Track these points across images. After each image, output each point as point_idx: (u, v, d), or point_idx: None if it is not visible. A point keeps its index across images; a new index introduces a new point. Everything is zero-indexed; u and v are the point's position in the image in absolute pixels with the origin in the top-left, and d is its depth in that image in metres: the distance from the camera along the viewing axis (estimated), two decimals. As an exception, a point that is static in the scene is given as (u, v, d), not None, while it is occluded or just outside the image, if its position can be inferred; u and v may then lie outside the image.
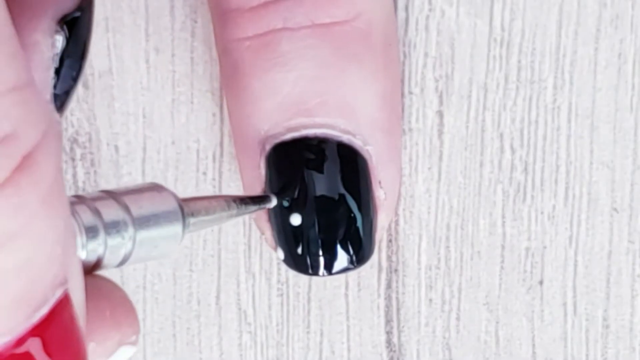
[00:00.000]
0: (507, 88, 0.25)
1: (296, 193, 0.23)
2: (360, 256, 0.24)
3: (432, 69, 0.25)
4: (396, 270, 0.26)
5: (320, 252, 0.24)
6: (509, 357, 0.26)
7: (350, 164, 0.23)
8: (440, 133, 0.26)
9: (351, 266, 0.24)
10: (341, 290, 0.26)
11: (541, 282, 0.26)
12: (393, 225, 0.26)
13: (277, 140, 0.23)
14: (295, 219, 0.23)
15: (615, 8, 0.25)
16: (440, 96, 0.25)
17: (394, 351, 0.26)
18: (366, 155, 0.24)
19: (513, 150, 0.26)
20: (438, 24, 0.25)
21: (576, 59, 0.25)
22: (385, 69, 0.24)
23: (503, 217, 0.26)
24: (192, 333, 0.27)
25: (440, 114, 0.26)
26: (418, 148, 0.26)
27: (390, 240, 0.26)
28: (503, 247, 0.26)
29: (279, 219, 0.24)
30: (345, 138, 0.23)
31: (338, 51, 0.23)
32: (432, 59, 0.25)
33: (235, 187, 0.26)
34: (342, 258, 0.24)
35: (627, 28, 0.25)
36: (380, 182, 0.24)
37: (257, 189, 0.24)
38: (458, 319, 0.26)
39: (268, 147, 0.23)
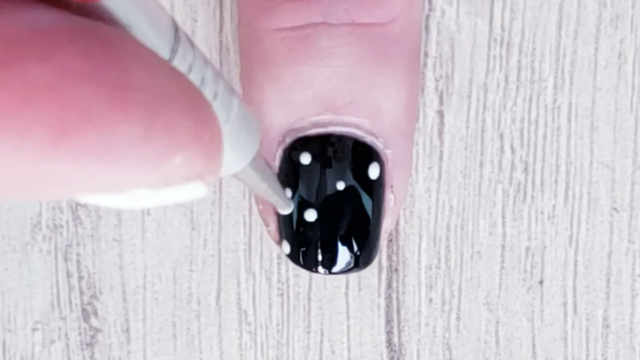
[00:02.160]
0: (507, 88, 0.25)
1: (313, 189, 0.23)
2: (366, 257, 0.24)
3: (433, 68, 0.25)
4: (396, 270, 0.26)
5: (329, 251, 0.24)
6: (509, 357, 0.26)
7: (369, 166, 0.23)
8: (441, 133, 0.26)
9: (356, 267, 0.24)
10: (341, 290, 0.26)
11: (541, 282, 0.26)
12: (393, 225, 0.26)
13: (301, 134, 0.23)
14: (310, 215, 0.23)
15: (615, 8, 0.25)
16: (441, 96, 0.25)
17: (394, 351, 0.26)
18: (384, 159, 0.23)
19: (513, 150, 0.26)
20: (438, 24, 0.25)
21: (576, 59, 0.25)
22: (412, 76, 0.24)
23: (503, 217, 0.26)
24: (192, 333, 0.27)
25: (440, 114, 0.26)
26: (418, 148, 0.26)
27: (390, 240, 0.26)
28: (503, 247, 0.26)
29: (294, 213, 0.23)
30: (368, 139, 0.23)
31: (373, 52, 0.23)
32: (432, 59, 0.25)
33: (234, 186, 0.26)
34: (349, 258, 0.24)
35: (627, 28, 0.25)
36: (392, 187, 0.24)
37: None
38: (458, 318, 0.26)
39: (288, 140, 0.23)
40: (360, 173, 0.23)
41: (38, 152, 0.10)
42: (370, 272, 0.26)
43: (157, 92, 0.11)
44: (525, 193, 0.26)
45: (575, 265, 0.26)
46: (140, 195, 0.11)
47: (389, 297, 0.26)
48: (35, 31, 0.10)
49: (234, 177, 0.17)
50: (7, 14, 0.10)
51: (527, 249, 0.26)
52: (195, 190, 0.12)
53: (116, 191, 0.11)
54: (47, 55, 0.10)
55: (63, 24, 0.10)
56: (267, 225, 0.24)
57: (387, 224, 0.24)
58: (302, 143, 0.23)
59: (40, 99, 0.10)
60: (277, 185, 0.21)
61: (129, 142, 0.10)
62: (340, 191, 0.23)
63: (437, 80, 0.25)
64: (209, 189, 0.12)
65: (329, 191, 0.23)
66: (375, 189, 0.23)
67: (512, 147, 0.26)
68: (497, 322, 0.26)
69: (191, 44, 0.13)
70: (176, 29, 0.13)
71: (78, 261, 0.27)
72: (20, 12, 0.10)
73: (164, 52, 0.12)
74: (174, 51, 0.13)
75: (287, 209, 0.23)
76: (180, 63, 0.13)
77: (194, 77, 0.13)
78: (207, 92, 0.14)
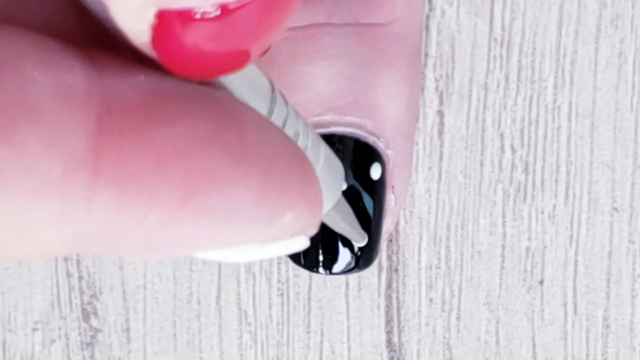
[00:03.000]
0: (507, 88, 0.25)
1: None
2: (367, 258, 0.24)
3: (433, 68, 0.25)
4: (396, 270, 0.26)
5: (329, 251, 0.24)
6: (509, 357, 0.26)
7: (371, 166, 0.23)
8: (441, 133, 0.26)
9: (357, 268, 0.24)
10: (341, 290, 0.26)
11: (541, 282, 0.26)
12: (393, 225, 0.26)
13: None
14: None
15: (615, 8, 0.25)
16: (441, 96, 0.25)
17: (394, 351, 0.26)
18: (386, 159, 0.23)
19: (513, 150, 0.26)
20: (438, 24, 0.25)
21: (576, 59, 0.25)
22: (413, 76, 0.24)
23: (503, 216, 0.26)
24: (192, 333, 0.27)
25: (440, 114, 0.26)
26: (418, 148, 0.26)
27: (390, 240, 0.26)
28: (503, 246, 0.26)
29: None
30: (370, 139, 0.23)
31: (376, 52, 0.23)
32: (432, 59, 0.25)
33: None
34: (349, 259, 0.24)
35: (628, 28, 0.25)
36: (393, 187, 0.24)
37: None
38: (458, 318, 0.26)
39: None
40: (362, 173, 0.23)
41: (166, 213, 0.10)
42: (370, 272, 0.26)
43: (269, 152, 0.11)
44: (525, 193, 0.26)
45: (576, 265, 0.26)
46: (249, 249, 0.12)
47: (389, 297, 0.26)
48: (160, 97, 0.10)
49: None
50: (131, 81, 0.10)
51: (528, 249, 0.26)
52: (299, 244, 0.13)
53: (229, 247, 0.12)
54: (173, 120, 0.10)
55: (182, 90, 0.11)
56: None
57: (387, 224, 0.24)
58: None
59: (170, 162, 0.10)
60: (355, 221, 0.21)
61: (247, 201, 0.11)
62: (342, 190, 0.23)
63: (437, 80, 0.25)
64: (309, 242, 0.13)
65: None
66: (377, 189, 0.23)
67: (512, 147, 0.26)
68: (497, 322, 0.26)
69: (285, 100, 0.14)
70: (272, 89, 0.14)
71: (78, 261, 0.27)
72: (143, 78, 0.10)
73: (262, 112, 0.13)
74: (270, 111, 0.13)
75: (362, 242, 0.23)
76: (276, 120, 0.14)
77: (288, 132, 0.14)
78: (299, 145, 0.14)
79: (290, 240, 0.12)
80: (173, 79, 0.11)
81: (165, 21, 0.10)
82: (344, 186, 0.17)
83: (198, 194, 0.10)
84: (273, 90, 0.14)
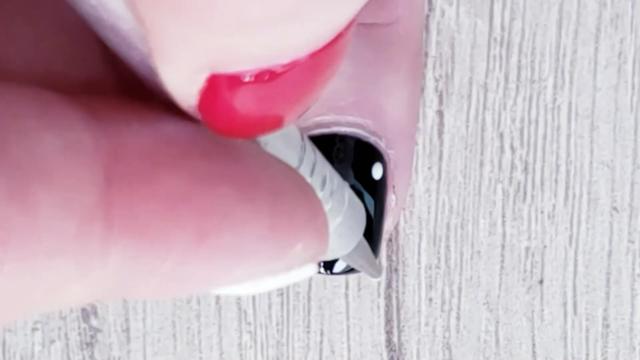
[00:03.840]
0: (507, 87, 0.25)
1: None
2: None
3: (432, 68, 0.25)
4: (396, 270, 0.26)
5: None
6: (509, 356, 0.26)
7: (373, 166, 0.23)
8: (441, 132, 0.26)
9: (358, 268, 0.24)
10: (341, 290, 0.26)
11: (541, 282, 0.26)
12: (394, 225, 0.26)
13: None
14: None
15: (615, 8, 0.25)
16: (440, 96, 0.25)
17: (394, 351, 0.26)
18: (387, 159, 0.23)
19: (513, 150, 0.26)
20: (438, 24, 0.25)
21: (576, 59, 0.25)
22: (414, 77, 0.24)
23: (503, 216, 0.26)
24: (192, 333, 0.27)
25: (440, 114, 0.26)
26: (418, 148, 0.26)
27: (390, 240, 0.26)
28: (503, 246, 0.26)
29: None
30: (371, 139, 0.23)
31: (377, 53, 0.23)
32: (432, 59, 0.25)
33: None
34: None
35: (627, 28, 0.25)
36: (394, 187, 0.24)
37: None
38: (458, 318, 0.26)
39: None
40: (364, 173, 0.23)
41: (182, 257, 0.10)
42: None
43: (275, 185, 0.11)
44: (525, 193, 0.26)
45: (575, 265, 0.26)
46: (261, 281, 0.12)
47: (388, 297, 0.26)
48: (162, 142, 0.10)
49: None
50: (132, 129, 0.10)
51: (527, 249, 0.26)
52: (308, 271, 0.13)
53: (244, 282, 0.12)
54: (177, 163, 0.10)
55: (182, 134, 0.11)
56: None
57: (388, 224, 0.24)
58: None
59: (180, 205, 0.10)
60: (373, 258, 0.22)
61: (259, 235, 0.11)
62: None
63: (437, 80, 0.25)
64: (317, 268, 0.13)
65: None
66: (378, 189, 0.23)
67: (512, 147, 0.26)
68: (497, 322, 0.26)
69: (313, 148, 0.14)
70: (302, 137, 0.14)
71: (78, 261, 0.27)
72: (152, 125, 0.11)
73: (293, 161, 0.14)
74: (300, 159, 0.14)
75: (378, 277, 0.23)
76: (306, 165, 0.14)
77: (316, 177, 0.14)
78: (326, 190, 0.15)
79: (301, 268, 0.12)
80: (183, 122, 0.11)
81: (214, 85, 0.10)
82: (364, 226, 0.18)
83: (211, 234, 0.10)
84: (302, 139, 0.14)
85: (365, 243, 0.20)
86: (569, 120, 0.25)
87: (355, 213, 0.17)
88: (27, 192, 0.09)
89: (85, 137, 0.10)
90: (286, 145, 0.13)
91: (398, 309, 0.26)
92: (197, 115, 0.10)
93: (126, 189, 0.10)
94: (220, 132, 0.11)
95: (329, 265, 0.24)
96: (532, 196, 0.26)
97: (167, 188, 0.10)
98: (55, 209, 0.09)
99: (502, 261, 0.26)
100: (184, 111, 0.11)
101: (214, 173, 0.11)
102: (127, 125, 0.10)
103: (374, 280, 0.24)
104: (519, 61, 0.25)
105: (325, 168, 0.15)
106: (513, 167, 0.26)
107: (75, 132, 0.10)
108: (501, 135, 0.26)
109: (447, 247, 0.26)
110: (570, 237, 0.26)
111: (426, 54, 0.25)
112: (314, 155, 0.14)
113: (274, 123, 0.11)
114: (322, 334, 0.27)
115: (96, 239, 0.10)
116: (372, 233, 0.24)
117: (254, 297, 0.26)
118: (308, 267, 0.13)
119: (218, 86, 0.10)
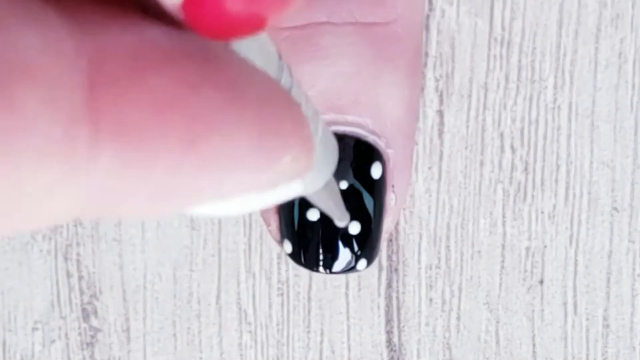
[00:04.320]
0: (507, 87, 0.25)
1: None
2: (367, 257, 0.24)
3: (433, 68, 0.25)
4: (396, 270, 0.26)
5: (330, 250, 0.24)
6: (509, 356, 0.26)
7: (372, 165, 0.23)
8: (441, 132, 0.26)
9: (357, 267, 0.24)
10: (341, 290, 0.26)
11: (541, 282, 0.26)
12: (393, 225, 0.26)
13: None
14: (312, 215, 0.23)
15: (615, 8, 0.25)
16: (441, 95, 0.25)
17: (394, 351, 0.26)
18: (386, 158, 0.24)
19: (513, 150, 0.26)
20: (438, 24, 0.25)
21: (576, 59, 0.25)
22: (414, 76, 0.24)
23: (503, 216, 0.26)
24: (192, 333, 0.27)
25: (440, 114, 0.26)
26: (418, 147, 0.26)
27: (390, 240, 0.26)
28: (503, 246, 0.26)
29: (295, 212, 0.23)
30: (371, 138, 0.23)
31: (376, 52, 0.23)
32: (432, 59, 0.25)
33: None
34: (350, 258, 0.24)
35: (628, 27, 0.25)
36: (393, 186, 0.24)
37: None
38: (458, 318, 0.26)
39: None
40: (363, 172, 0.23)
41: (171, 164, 0.10)
42: (370, 272, 0.26)
43: (261, 92, 0.11)
44: (525, 193, 0.26)
45: (576, 264, 0.26)
46: (248, 199, 0.12)
47: (389, 297, 0.26)
48: (146, 46, 0.10)
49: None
50: (115, 33, 0.10)
51: (528, 249, 0.26)
52: (295, 189, 0.13)
53: (231, 197, 0.11)
54: (163, 67, 0.10)
55: (166, 38, 0.11)
56: (268, 225, 0.24)
57: (387, 224, 0.24)
58: None
59: (167, 109, 0.10)
60: (340, 200, 0.21)
61: (248, 144, 0.11)
62: (342, 190, 0.23)
63: (437, 80, 0.25)
64: (304, 187, 0.13)
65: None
66: (378, 188, 0.24)
67: (512, 147, 0.26)
68: (497, 322, 0.26)
69: (290, 71, 0.14)
70: (280, 57, 0.14)
71: (78, 261, 0.27)
72: (133, 29, 0.10)
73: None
74: (278, 79, 0.14)
75: (344, 221, 0.23)
76: (282, 88, 0.14)
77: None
78: None
79: (287, 185, 0.12)
80: (169, 29, 0.11)
81: None
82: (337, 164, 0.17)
83: (200, 139, 0.10)
84: (280, 59, 0.14)
85: (334, 184, 0.19)
86: (569, 120, 0.25)
87: (328, 146, 0.16)
88: (11, 87, 0.09)
89: (66, 38, 0.10)
90: (263, 60, 0.13)
91: (398, 309, 0.26)
92: (180, 14, 0.10)
93: (112, 92, 0.10)
94: (203, 31, 0.11)
95: (328, 265, 0.24)
96: (533, 196, 0.26)
97: (154, 91, 0.10)
98: (39, 106, 0.09)
99: (503, 261, 0.26)
100: (164, 17, 0.11)
101: (200, 77, 0.10)
102: (107, 28, 0.10)
103: (340, 225, 0.23)
104: (519, 61, 0.25)
105: (301, 94, 0.15)
106: (513, 167, 0.26)
107: (57, 32, 0.09)
108: (501, 135, 0.25)
109: (448, 247, 0.26)
110: (571, 237, 0.26)
111: (426, 54, 0.25)
112: (290, 78, 0.14)
113: (258, 22, 0.11)
114: (322, 334, 0.27)
115: (84, 142, 0.09)
116: (371, 232, 0.24)
117: (254, 297, 0.26)
118: (295, 185, 0.13)
119: None
